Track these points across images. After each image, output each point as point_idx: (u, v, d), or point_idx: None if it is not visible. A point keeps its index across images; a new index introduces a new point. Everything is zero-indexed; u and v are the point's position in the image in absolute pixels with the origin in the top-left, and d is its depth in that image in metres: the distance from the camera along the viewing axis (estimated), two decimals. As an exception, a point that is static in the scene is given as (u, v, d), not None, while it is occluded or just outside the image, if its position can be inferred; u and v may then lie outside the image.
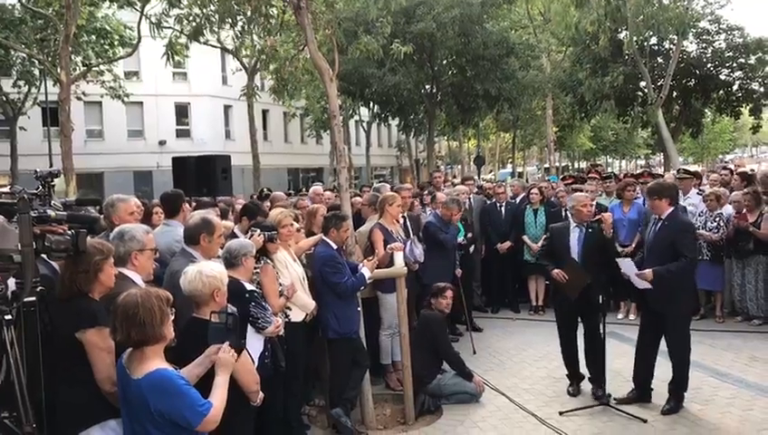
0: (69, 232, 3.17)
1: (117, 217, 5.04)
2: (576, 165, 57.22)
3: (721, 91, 29.45)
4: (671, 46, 26.16)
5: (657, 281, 5.65)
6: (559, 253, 6.23)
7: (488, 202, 10.39)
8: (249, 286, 4.36)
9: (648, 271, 5.69)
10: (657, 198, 5.91)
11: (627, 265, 5.93)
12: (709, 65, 28.51)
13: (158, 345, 2.96)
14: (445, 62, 25.95)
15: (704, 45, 28.79)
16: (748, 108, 29.87)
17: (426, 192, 9.66)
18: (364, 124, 40.32)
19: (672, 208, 5.90)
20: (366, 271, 5.72)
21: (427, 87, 26.79)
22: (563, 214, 9.67)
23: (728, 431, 5.42)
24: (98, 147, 31.94)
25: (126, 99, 26.05)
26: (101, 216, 5.08)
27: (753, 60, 28.30)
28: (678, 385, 5.91)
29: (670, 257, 5.69)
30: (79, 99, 24.54)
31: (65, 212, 3.29)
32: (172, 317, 3.04)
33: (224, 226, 5.30)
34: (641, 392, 6.05)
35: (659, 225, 5.91)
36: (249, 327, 4.25)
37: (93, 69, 22.91)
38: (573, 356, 6.44)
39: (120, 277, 3.70)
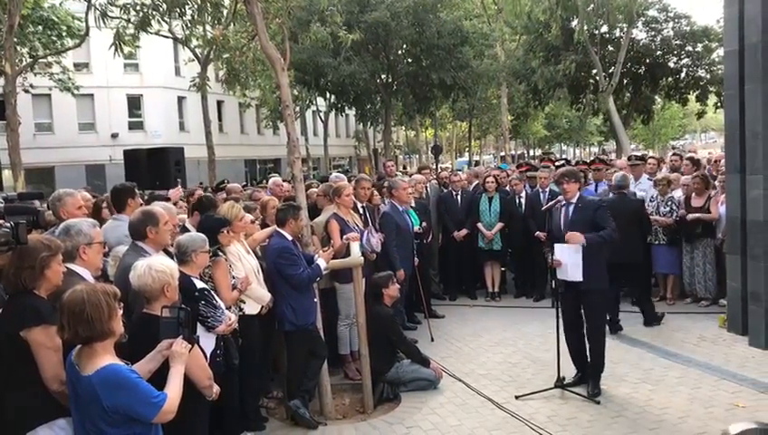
0: (8, 224, 3.09)
1: (65, 211, 4.93)
2: (531, 153, 57.93)
3: (669, 79, 30.14)
4: (621, 34, 26.61)
5: (585, 255, 5.81)
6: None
7: (444, 191, 10.45)
8: (200, 284, 4.29)
9: (579, 234, 5.80)
10: (573, 181, 6.13)
11: (571, 252, 5.92)
12: (658, 53, 29.13)
13: (108, 341, 2.92)
14: (400, 51, 26.01)
15: (653, 33, 29.39)
16: (695, 94, 30.63)
17: (384, 183, 9.68)
18: (321, 114, 40.15)
19: (578, 192, 6.18)
20: (321, 262, 5.70)
21: (383, 77, 26.80)
22: (517, 201, 9.82)
23: (678, 410, 5.57)
24: (48, 140, 31.10)
25: (76, 91, 25.41)
26: (47, 210, 4.96)
27: (699, 48, 29.02)
28: (597, 367, 6.07)
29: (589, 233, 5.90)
30: (27, 91, 23.84)
31: (3, 204, 3.20)
32: (121, 312, 2.99)
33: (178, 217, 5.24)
34: (584, 374, 6.18)
35: (572, 208, 6.09)
36: (199, 325, 4.20)
37: (41, 61, 22.26)
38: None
39: (68, 273, 3.61)
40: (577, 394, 5.93)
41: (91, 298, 2.86)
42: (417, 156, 53.10)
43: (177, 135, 33.81)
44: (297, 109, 34.08)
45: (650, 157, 11.56)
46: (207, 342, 4.12)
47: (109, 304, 2.90)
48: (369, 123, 36.96)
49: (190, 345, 3.23)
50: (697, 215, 8.63)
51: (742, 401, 5.65)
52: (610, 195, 8.57)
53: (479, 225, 9.71)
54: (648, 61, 29.05)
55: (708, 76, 29.55)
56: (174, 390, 3.01)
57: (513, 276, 10.59)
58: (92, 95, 32.42)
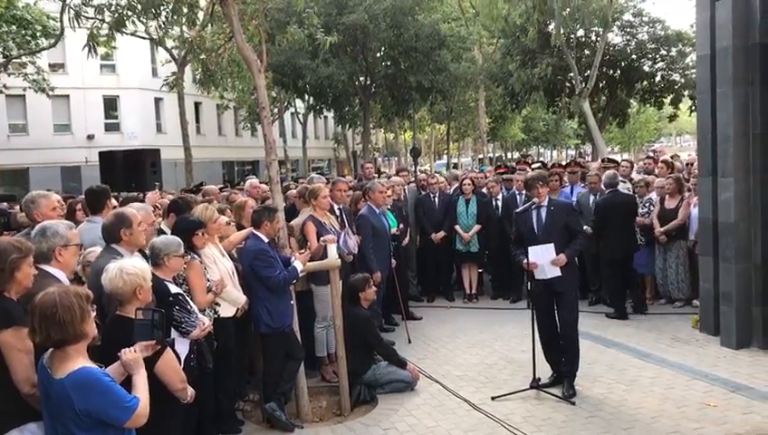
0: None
1: (38, 213, 4.89)
2: (509, 155, 58.31)
3: (644, 82, 30.50)
4: (597, 38, 26.89)
5: (570, 259, 6.00)
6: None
7: (422, 193, 10.49)
8: (174, 289, 4.25)
9: (562, 256, 5.95)
10: (542, 184, 6.22)
11: (546, 252, 6.01)
12: (633, 57, 29.46)
13: (81, 344, 2.88)
14: (378, 54, 26.05)
15: (628, 38, 29.73)
16: (670, 98, 31.03)
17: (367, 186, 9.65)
18: (300, 116, 40.07)
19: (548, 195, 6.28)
20: (298, 264, 5.69)
21: (362, 79, 26.83)
22: (494, 203, 9.89)
23: (651, 410, 5.64)
24: (22, 142, 30.71)
25: (51, 92, 25.08)
26: (20, 212, 4.91)
27: (674, 52, 29.40)
28: (571, 368, 6.13)
29: (564, 238, 6.03)
30: (0, 92, 23.51)
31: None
32: (94, 314, 2.97)
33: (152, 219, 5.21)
34: (560, 375, 6.24)
35: (544, 211, 6.16)
36: (174, 330, 4.17)
37: (15, 61, 21.95)
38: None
39: (43, 275, 3.58)
40: (552, 395, 5.97)
41: (63, 301, 2.82)
42: (396, 158, 53.17)
43: (154, 137, 33.54)
44: (275, 111, 34.00)
45: (623, 160, 11.73)
46: (181, 347, 4.09)
47: (81, 307, 2.87)
48: (347, 125, 36.96)
49: (162, 350, 3.21)
50: (663, 229, 8.78)
51: (713, 401, 5.73)
52: (606, 193, 8.84)
53: (457, 227, 9.76)
54: (623, 64, 29.37)
55: (683, 80, 29.93)
56: (142, 393, 2.99)
57: (490, 278, 10.65)
58: (68, 96, 32.07)
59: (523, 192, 9.56)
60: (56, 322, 2.79)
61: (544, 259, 5.97)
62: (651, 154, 13.78)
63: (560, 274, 5.96)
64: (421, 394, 6.28)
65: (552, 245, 5.97)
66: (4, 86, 23.58)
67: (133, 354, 3.09)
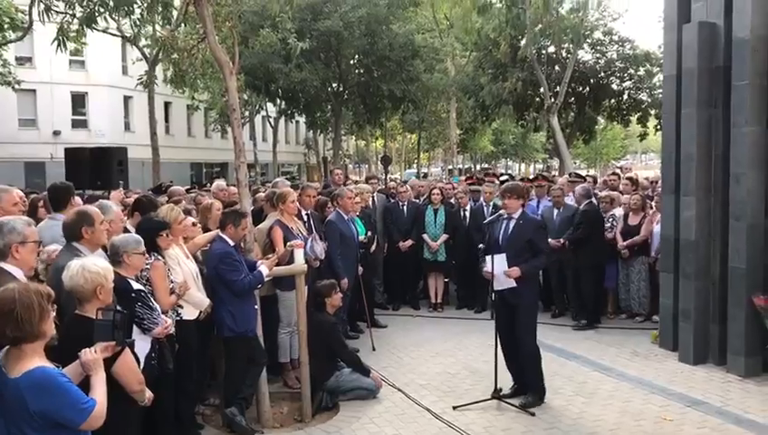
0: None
1: (0, 207, 4.79)
2: (478, 167, 58.79)
3: (612, 100, 31.04)
4: (567, 55, 27.30)
5: (526, 276, 6.00)
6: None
7: (391, 201, 10.51)
8: (136, 285, 4.22)
9: (516, 269, 5.96)
10: (513, 196, 6.20)
11: (499, 262, 6.07)
12: (602, 74, 29.97)
13: (38, 343, 2.82)
14: (351, 61, 26.12)
15: (597, 55, 30.24)
16: (636, 116, 31.62)
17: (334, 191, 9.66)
18: (271, 120, 39.91)
19: (522, 208, 6.26)
20: (264, 269, 5.66)
21: (334, 85, 26.85)
22: (461, 214, 9.96)
23: (609, 423, 5.72)
24: (-16, 136, 30.06)
25: (17, 86, 24.58)
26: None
27: (641, 71, 29.98)
28: (534, 378, 6.17)
29: (526, 253, 6.04)
30: (-37, 84, 23.06)
31: None
32: (53, 314, 2.91)
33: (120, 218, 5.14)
34: (521, 385, 6.29)
35: (513, 223, 6.19)
36: (135, 327, 4.12)
37: (-21, 53, 21.51)
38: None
39: (0, 272, 3.51)
40: (513, 405, 6.02)
41: (22, 298, 2.76)
42: (367, 166, 53.23)
43: (122, 135, 33.08)
44: (246, 113, 33.80)
45: (588, 176, 11.96)
46: (143, 344, 4.05)
47: (41, 305, 2.80)
48: (319, 131, 36.96)
49: (120, 351, 3.16)
50: (625, 243, 8.96)
51: (669, 415, 5.83)
52: (585, 203, 9.03)
53: (424, 236, 9.80)
54: (592, 81, 29.87)
55: (649, 99, 30.53)
56: (100, 395, 2.93)
57: (455, 288, 10.71)
58: (35, 90, 31.40)
59: (491, 204, 9.70)
60: (14, 319, 2.72)
61: (498, 269, 6.02)
62: (617, 171, 14.01)
63: (514, 285, 6.00)
64: (383, 402, 6.28)
65: (504, 255, 6.02)
66: (-32, 78, 23.09)
67: (93, 355, 3.03)
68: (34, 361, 2.78)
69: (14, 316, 2.72)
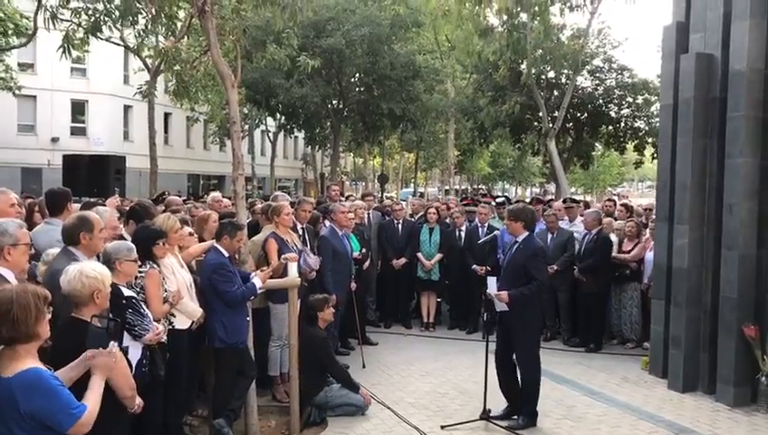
0: None
1: (-3, 209, 4.80)
2: (475, 187, 58.95)
3: (609, 127, 31.22)
4: (567, 81, 27.52)
5: (512, 302, 5.97)
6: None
7: (386, 219, 10.55)
8: (127, 292, 4.23)
9: (504, 293, 5.98)
10: (513, 219, 6.23)
11: (491, 284, 6.13)
12: (600, 101, 30.16)
13: (32, 344, 2.84)
14: (352, 79, 26.26)
15: (596, 82, 30.47)
16: (633, 144, 31.78)
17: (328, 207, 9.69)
18: (270, 134, 40.03)
19: (527, 233, 6.21)
20: (257, 281, 5.67)
21: (334, 102, 26.98)
22: (457, 234, 9.99)
23: (596, 446, 5.73)
24: (-18, 140, 30.07)
25: (18, 91, 24.65)
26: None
27: (640, 99, 30.18)
28: (527, 402, 6.17)
29: (522, 279, 6.01)
30: (-36, 88, 23.09)
31: None
32: (49, 316, 2.93)
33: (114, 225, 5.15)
34: (513, 407, 6.28)
35: (515, 247, 6.23)
36: (126, 334, 4.12)
37: (-18, 57, 21.58)
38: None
39: (-10, 273, 3.53)
40: (501, 427, 6.02)
41: (20, 298, 2.78)
42: (364, 183, 53.31)
43: (121, 144, 33.14)
44: (246, 127, 33.89)
45: (581, 201, 12.05)
46: (134, 351, 4.05)
47: (38, 307, 2.82)
48: (317, 147, 37.02)
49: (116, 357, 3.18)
50: (620, 256, 9.02)
51: (657, 441, 5.84)
52: (594, 233, 9.09)
53: (419, 254, 9.83)
54: (590, 108, 30.06)
55: (647, 127, 30.72)
56: (93, 401, 2.94)
57: (448, 308, 10.71)
58: (35, 97, 31.56)
59: (486, 224, 9.74)
60: (10, 319, 2.74)
61: (491, 291, 6.07)
62: (613, 198, 14.11)
63: (506, 309, 6.02)
64: (372, 419, 6.27)
65: (494, 278, 6.09)
66: (-31, 82, 23.13)
67: (108, 358, 3.07)
68: (28, 362, 2.79)
69: (11, 316, 2.74)
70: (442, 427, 6.04)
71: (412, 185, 52.28)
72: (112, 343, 3.19)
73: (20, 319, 2.76)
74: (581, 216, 10.00)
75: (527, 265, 6.03)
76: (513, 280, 6.06)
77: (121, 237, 5.27)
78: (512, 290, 5.97)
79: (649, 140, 30.21)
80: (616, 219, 10.05)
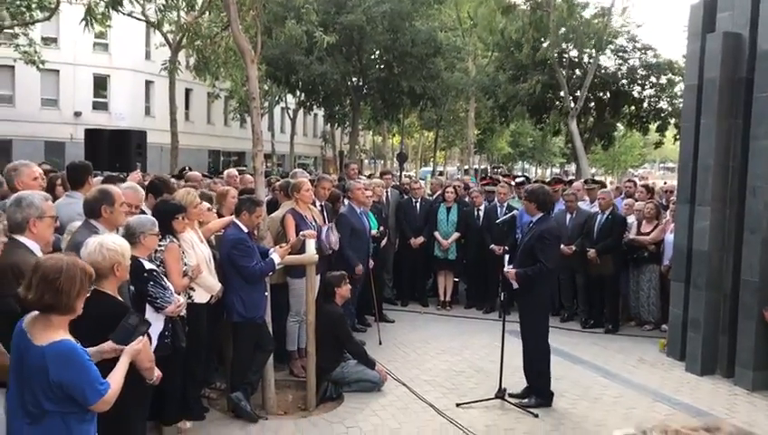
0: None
1: (20, 181, 4.88)
2: (493, 166, 58.56)
3: (632, 107, 30.78)
4: (589, 60, 27.14)
5: (518, 281, 6.05)
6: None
7: (404, 197, 10.53)
8: (148, 265, 4.28)
9: (512, 271, 6.06)
10: (526, 199, 6.29)
11: (507, 262, 6.26)
12: (623, 81, 29.72)
13: (66, 317, 2.89)
14: (372, 56, 26.09)
15: (620, 62, 29.99)
16: (656, 125, 31.34)
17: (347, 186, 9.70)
18: (290, 112, 40.01)
19: (541, 214, 6.18)
20: (276, 256, 5.71)
21: (354, 80, 26.84)
22: (475, 213, 9.96)
23: (612, 428, 5.69)
24: (7, 113, 30.32)
25: (41, 65, 24.80)
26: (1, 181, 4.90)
27: (663, 80, 29.69)
28: (537, 382, 6.19)
29: (530, 260, 6.03)
30: (-11, 61, 23.30)
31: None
32: (88, 295, 2.98)
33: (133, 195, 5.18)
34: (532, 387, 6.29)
35: (528, 228, 6.28)
36: (148, 306, 4.17)
37: (7, 31, 21.68)
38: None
39: (17, 245, 3.57)
40: (516, 406, 6.04)
41: (69, 270, 2.84)
42: (383, 161, 53.20)
43: (142, 119, 33.30)
44: (266, 104, 33.88)
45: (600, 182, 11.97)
46: (156, 323, 4.11)
47: (82, 282, 2.89)
48: (336, 125, 36.96)
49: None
50: (639, 238, 8.94)
51: (673, 424, 5.81)
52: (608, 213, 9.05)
53: (436, 233, 9.81)
54: (613, 88, 29.63)
55: (669, 108, 30.25)
56: (116, 381, 3.01)
57: (465, 287, 10.72)
58: (58, 71, 31.74)
59: (505, 204, 9.70)
60: (55, 287, 2.80)
61: (506, 269, 6.18)
62: (635, 179, 13.96)
63: (515, 286, 6.12)
64: (387, 396, 6.32)
65: (507, 256, 6.26)
66: (-6, 55, 23.30)
67: (139, 345, 3.20)
68: (60, 333, 2.85)
69: (57, 285, 2.80)
70: (457, 405, 6.07)
71: (431, 164, 52.10)
72: (140, 338, 3.26)
73: (64, 290, 2.81)
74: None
75: (534, 247, 6.03)
76: (523, 260, 6.09)
77: (142, 212, 5.32)
78: (518, 269, 6.05)
79: (672, 120, 29.77)
80: (636, 200, 9.94)
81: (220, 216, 6.26)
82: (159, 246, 4.68)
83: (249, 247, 5.60)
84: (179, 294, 4.70)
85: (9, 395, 2.96)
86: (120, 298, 3.52)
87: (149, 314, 4.17)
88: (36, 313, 2.88)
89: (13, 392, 2.93)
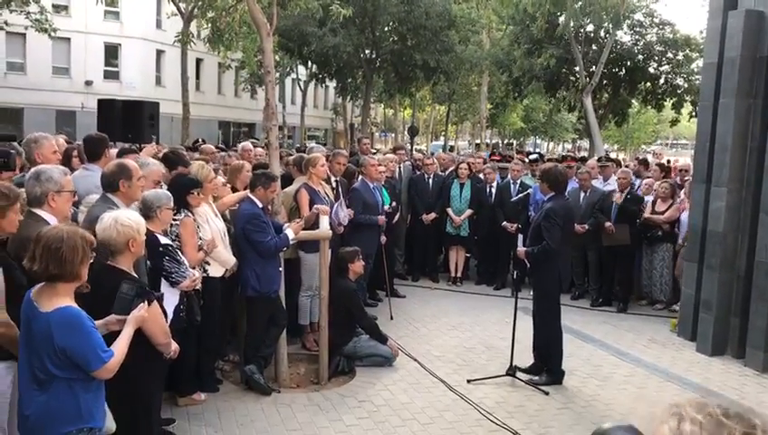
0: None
1: (40, 153, 4.89)
2: (506, 143, 58.23)
3: (648, 84, 30.43)
4: (606, 35, 26.79)
5: (527, 259, 6.15)
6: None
7: (417, 173, 10.50)
8: (164, 240, 4.29)
9: (521, 250, 6.17)
10: (540, 179, 6.36)
11: (520, 242, 6.38)
12: (639, 57, 29.34)
13: (71, 284, 2.95)
14: (386, 28, 25.83)
15: (636, 37, 29.60)
16: (671, 102, 31.01)
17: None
18: (301, 83, 39.82)
19: (553, 193, 6.15)
20: (290, 232, 5.72)
21: (367, 52, 26.62)
22: (487, 190, 9.92)
23: (622, 406, 5.75)
24: (19, 81, 30.39)
25: (53, 33, 24.72)
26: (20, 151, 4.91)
27: (680, 56, 29.29)
28: (548, 360, 6.22)
29: (539, 239, 6.04)
30: (1, 28, 23.18)
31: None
32: (91, 261, 3.01)
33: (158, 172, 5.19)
34: (542, 365, 6.32)
35: (541, 206, 6.33)
36: (163, 281, 4.20)
37: (18, -2, 21.62)
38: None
39: (36, 219, 3.60)
40: (527, 383, 6.07)
41: (69, 239, 2.90)
42: (394, 135, 53.00)
43: (153, 89, 33.23)
44: (277, 75, 33.66)
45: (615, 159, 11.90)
46: (171, 297, 4.13)
47: (84, 249, 2.94)
48: (348, 97, 36.75)
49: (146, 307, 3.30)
50: (653, 217, 8.89)
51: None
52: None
53: (448, 209, 9.80)
54: (628, 63, 29.28)
55: (686, 85, 29.90)
56: (120, 350, 3.06)
57: (476, 263, 10.73)
58: (69, 39, 31.65)
59: (518, 181, 9.66)
60: (58, 257, 2.86)
61: (518, 247, 6.31)
62: (650, 156, 13.86)
63: (527, 264, 6.20)
64: (399, 371, 6.37)
65: (520, 236, 6.36)
66: (5, 23, 23.20)
67: (143, 313, 3.24)
68: (65, 300, 2.91)
69: (59, 255, 2.86)
70: (468, 381, 6.11)
71: (442, 138, 51.85)
72: (141, 304, 3.27)
73: (67, 259, 2.87)
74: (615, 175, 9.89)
75: (540, 226, 6.05)
76: (534, 238, 6.12)
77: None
78: (527, 247, 6.13)
79: (688, 98, 29.44)
80: (649, 178, 9.89)
81: (234, 190, 6.26)
82: (174, 220, 4.69)
83: (264, 222, 5.60)
84: (194, 268, 4.72)
85: (20, 364, 3.02)
86: (134, 274, 3.53)
87: (165, 288, 4.20)
88: (43, 283, 2.94)
89: (23, 361, 2.99)
